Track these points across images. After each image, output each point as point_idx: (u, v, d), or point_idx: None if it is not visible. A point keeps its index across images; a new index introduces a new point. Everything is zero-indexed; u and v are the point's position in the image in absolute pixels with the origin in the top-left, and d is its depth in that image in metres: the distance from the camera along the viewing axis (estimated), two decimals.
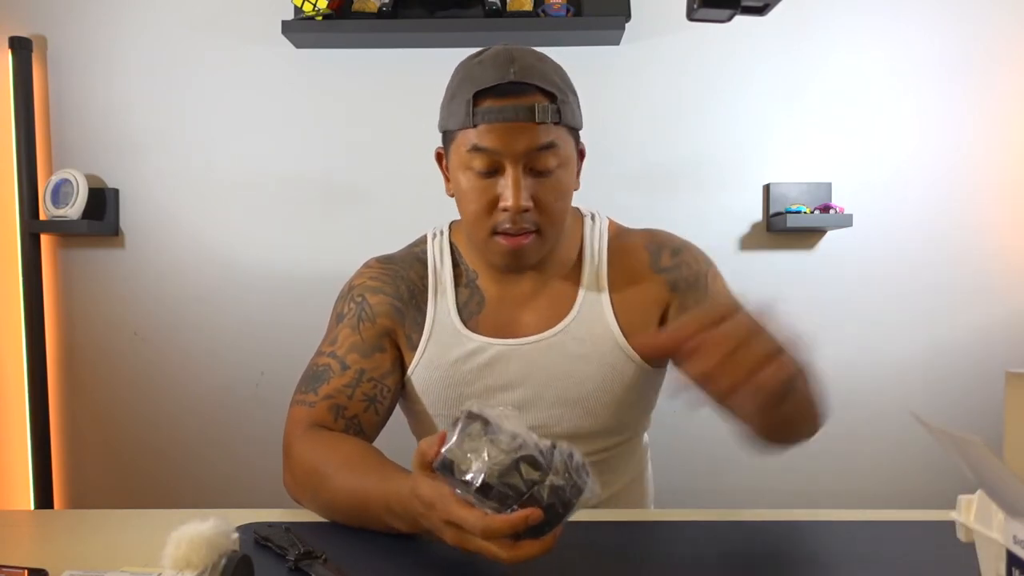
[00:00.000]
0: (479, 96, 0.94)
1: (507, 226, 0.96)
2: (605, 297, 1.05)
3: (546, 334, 1.03)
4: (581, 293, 1.05)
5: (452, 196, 1.05)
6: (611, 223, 1.12)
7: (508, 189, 0.94)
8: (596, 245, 1.08)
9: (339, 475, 0.88)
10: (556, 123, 0.95)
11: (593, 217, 1.11)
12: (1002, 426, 0.55)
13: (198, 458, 1.96)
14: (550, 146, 0.95)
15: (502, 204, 0.95)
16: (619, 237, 1.10)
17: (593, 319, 1.04)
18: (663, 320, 1.05)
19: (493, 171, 0.96)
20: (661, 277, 1.05)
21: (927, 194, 1.94)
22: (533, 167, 0.95)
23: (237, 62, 1.95)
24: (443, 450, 0.67)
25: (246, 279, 1.96)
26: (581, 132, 1.03)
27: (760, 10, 0.74)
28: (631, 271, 1.06)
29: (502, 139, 0.93)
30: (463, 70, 1.00)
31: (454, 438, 0.67)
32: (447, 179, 1.06)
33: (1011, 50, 1.93)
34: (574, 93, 1.00)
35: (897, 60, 1.93)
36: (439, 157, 1.08)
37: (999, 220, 1.94)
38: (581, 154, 1.05)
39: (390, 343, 1.05)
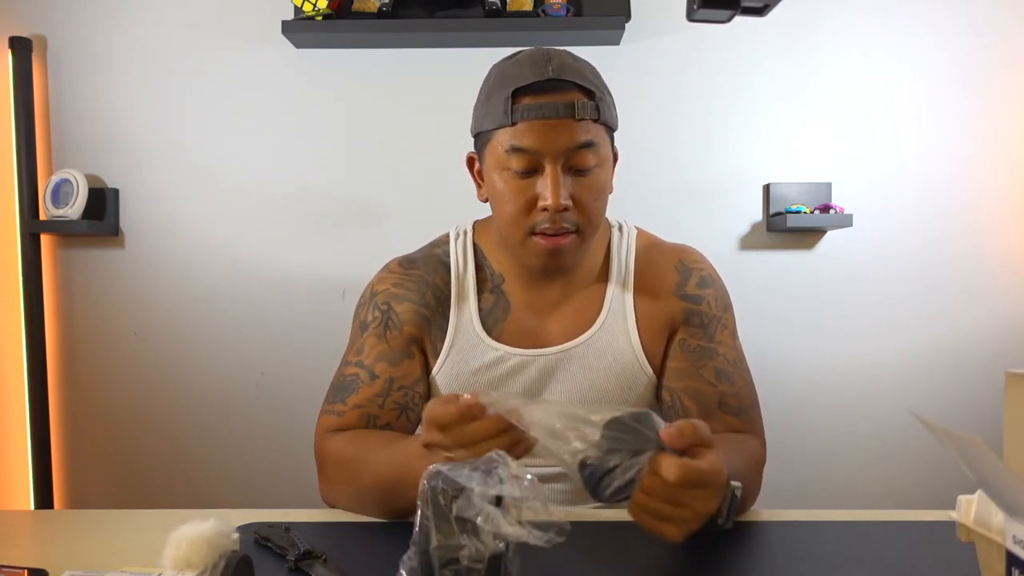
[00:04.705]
0: (517, 94, 0.93)
1: (546, 226, 0.95)
2: (630, 311, 1.04)
3: (567, 345, 1.02)
4: (606, 306, 1.04)
5: (485, 201, 1.03)
6: (640, 232, 1.11)
7: (547, 188, 0.93)
8: (624, 256, 1.07)
9: (379, 452, 0.88)
10: (595, 120, 0.94)
11: (621, 228, 1.10)
12: (1002, 426, 0.55)
13: (198, 458, 1.96)
14: (589, 144, 0.94)
15: (541, 203, 0.94)
16: (648, 250, 1.09)
17: (616, 332, 1.03)
18: (669, 342, 1.05)
19: (531, 170, 0.94)
20: (682, 303, 1.04)
21: (927, 194, 1.94)
22: (572, 165, 0.94)
23: (237, 62, 1.95)
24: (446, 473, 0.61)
25: (246, 279, 1.96)
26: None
27: (760, 11, 0.74)
28: (656, 288, 1.05)
29: (542, 137, 0.92)
30: (497, 71, 0.99)
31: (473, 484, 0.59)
32: (479, 184, 1.04)
33: (1011, 50, 1.93)
34: (609, 93, 0.99)
35: (897, 60, 1.93)
36: (470, 162, 1.05)
37: (999, 220, 1.94)
38: (615, 156, 1.03)
39: (418, 350, 1.04)
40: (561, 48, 0.99)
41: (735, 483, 0.76)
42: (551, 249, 0.96)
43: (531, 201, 0.95)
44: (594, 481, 0.71)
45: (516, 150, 0.93)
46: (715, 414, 0.99)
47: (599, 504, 1.06)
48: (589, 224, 0.97)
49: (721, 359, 1.02)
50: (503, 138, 0.94)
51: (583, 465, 0.71)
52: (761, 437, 1.02)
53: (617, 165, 1.04)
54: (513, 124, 0.93)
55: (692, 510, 0.71)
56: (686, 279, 1.06)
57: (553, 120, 0.92)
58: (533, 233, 0.96)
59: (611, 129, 0.99)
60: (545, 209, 0.94)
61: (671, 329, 1.05)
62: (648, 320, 1.04)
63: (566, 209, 0.94)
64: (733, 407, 0.99)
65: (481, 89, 1.01)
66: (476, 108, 1.01)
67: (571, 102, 0.93)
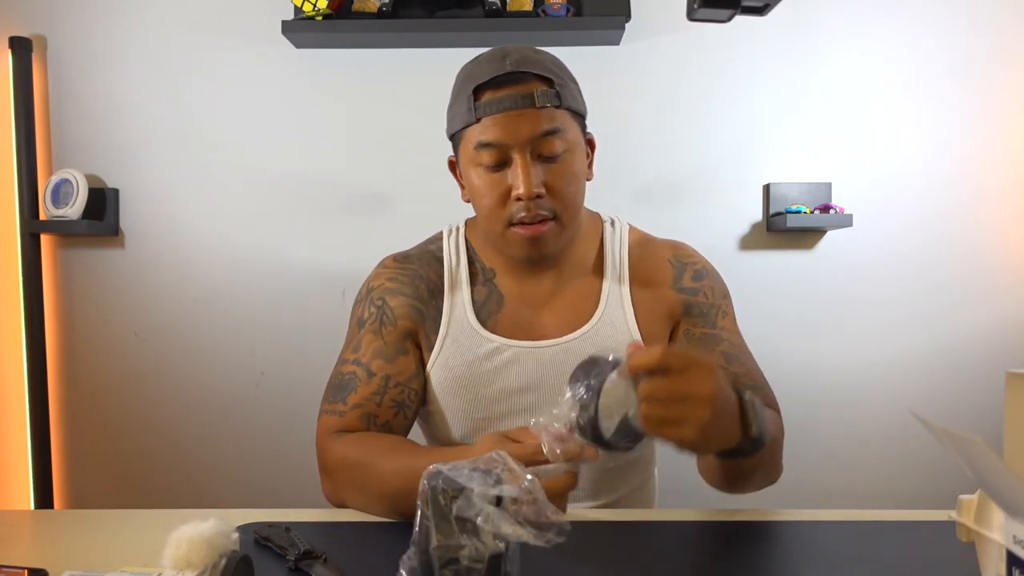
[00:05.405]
0: (479, 91, 0.95)
1: (522, 215, 0.96)
2: (628, 304, 1.05)
3: (566, 339, 1.03)
4: (603, 299, 1.05)
5: (468, 201, 1.04)
6: (632, 229, 1.11)
7: (518, 177, 0.94)
8: (617, 250, 1.07)
9: (387, 459, 0.89)
10: (557, 107, 0.95)
11: (613, 223, 1.11)
12: (1002, 426, 0.55)
13: (198, 458, 1.96)
14: (554, 131, 0.95)
15: (514, 193, 0.95)
16: (642, 245, 1.09)
17: (615, 326, 1.03)
18: (671, 337, 1.05)
19: (502, 163, 0.96)
20: (680, 296, 1.05)
21: (927, 194, 1.94)
22: (540, 153, 0.95)
23: (237, 62, 1.95)
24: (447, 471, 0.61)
25: (246, 279, 1.96)
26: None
27: (760, 10, 0.74)
28: (652, 282, 1.06)
29: (506, 129, 0.94)
30: (462, 72, 1.01)
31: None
32: (462, 186, 1.05)
33: (1011, 50, 1.93)
34: (574, 80, 1.00)
35: (897, 60, 1.93)
36: (451, 166, 1.07)
37: (999, 220, 1.94)
38: (591, 143, 1.05)
39: (412, 344, 1.05)
40: (522, 44, 1.00)
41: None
42: (530, 238, 0.97)
43: (505, 193, 0.96)
44: (599, 437, 0.71)
45: (484, 145, 0.95)
46: None
47: (599, 504, 1.07)
48: (566, 210, 0.98)
49: (727, 343, 1.03)
50: (471, 136, 0.96)
51: (582, 428, 0.71)
52: (779, 411, 1.03)
53: (596, 152, 1.05)
54: (478, 120, 0.95)
55: (696, 398, 0.70)
56: (681, 273, 1.07)
57: (514, 111, 0.94)
58: (512, 224, 0.97)
59: (579, 115, 1.00)
60: (519, 199, 0.95)
61: (673, 322, 1.05)
62: (647, 312, 1.04)
63: (540, 196, 0.95)
64: (748, 386, 0.99)
65: (451, 93, 1.02)
66: (447, 112, 1.03)
67: (530, 92, 0.94)
